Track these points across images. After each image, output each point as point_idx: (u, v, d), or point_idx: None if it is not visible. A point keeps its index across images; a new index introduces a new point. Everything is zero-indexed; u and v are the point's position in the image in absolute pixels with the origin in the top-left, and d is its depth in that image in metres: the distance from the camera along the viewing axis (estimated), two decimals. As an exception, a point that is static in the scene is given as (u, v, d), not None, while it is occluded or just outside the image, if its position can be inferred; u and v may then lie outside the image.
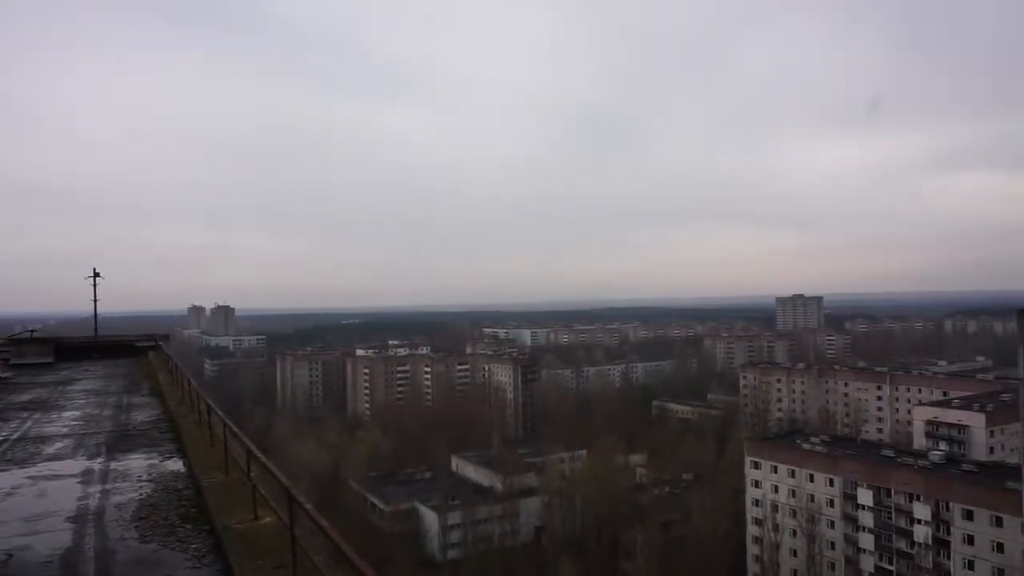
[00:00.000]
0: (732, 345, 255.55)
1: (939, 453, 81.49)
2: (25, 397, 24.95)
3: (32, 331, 43.66)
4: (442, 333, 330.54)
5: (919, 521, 69.26)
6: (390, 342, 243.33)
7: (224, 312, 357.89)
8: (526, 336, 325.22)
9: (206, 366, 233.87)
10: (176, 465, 13.74)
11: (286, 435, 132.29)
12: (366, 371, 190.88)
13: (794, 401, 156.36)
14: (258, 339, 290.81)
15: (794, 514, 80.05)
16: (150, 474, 13.08)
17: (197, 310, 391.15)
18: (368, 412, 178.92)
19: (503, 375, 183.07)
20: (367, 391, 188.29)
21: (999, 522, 62.66)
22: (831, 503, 77.43)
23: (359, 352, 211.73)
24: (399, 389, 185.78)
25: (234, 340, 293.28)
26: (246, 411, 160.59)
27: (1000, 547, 62.57)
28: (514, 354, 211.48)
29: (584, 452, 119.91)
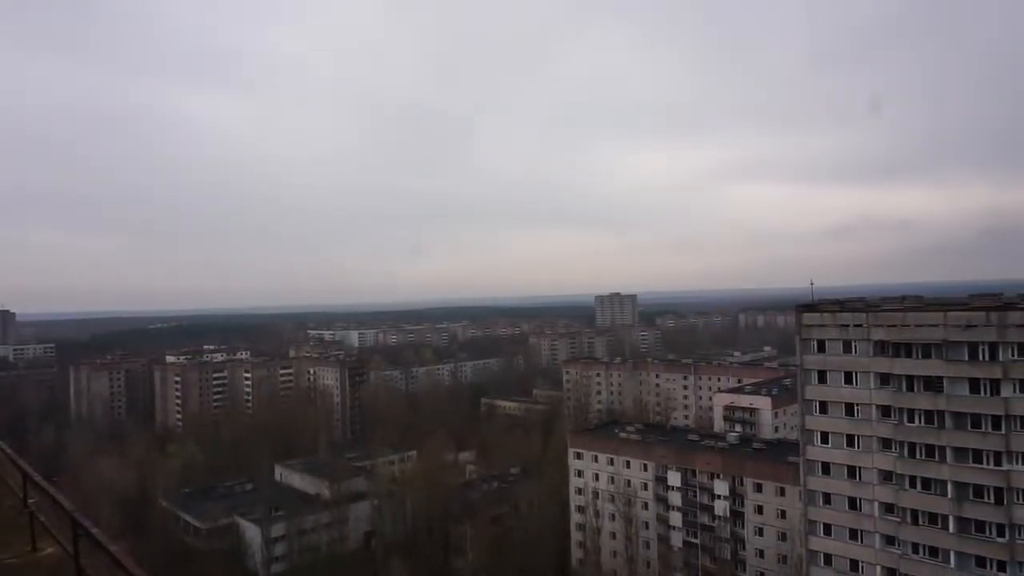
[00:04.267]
0: (556, 342, 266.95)
1: (735, 434, 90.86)
2: None
3: None
4: (263, 336, 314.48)
5: (719, 496, 76.60)
6: (205, 347, 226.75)
7: (1, 317, 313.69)
8: (353, 338, 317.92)
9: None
10: None
11: (82, 454, 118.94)
12: (177, 379, 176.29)
13: (612, 393, 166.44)
14: (45, 348, 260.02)
15: (613, 499, 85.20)
16: None
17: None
18: (180, 424, 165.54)
19: (329, 378, 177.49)
20: (179, 401, 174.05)
21: (783, 492, 70.98)
22: (645, 486, 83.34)
23: (169, 359, 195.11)
24: (216, 397, 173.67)
25: (14, 349, 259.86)
26: (31, 430, 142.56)
27: (783, 514, 70.89)
28: (341, 356, 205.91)
29: (414, 453, 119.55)
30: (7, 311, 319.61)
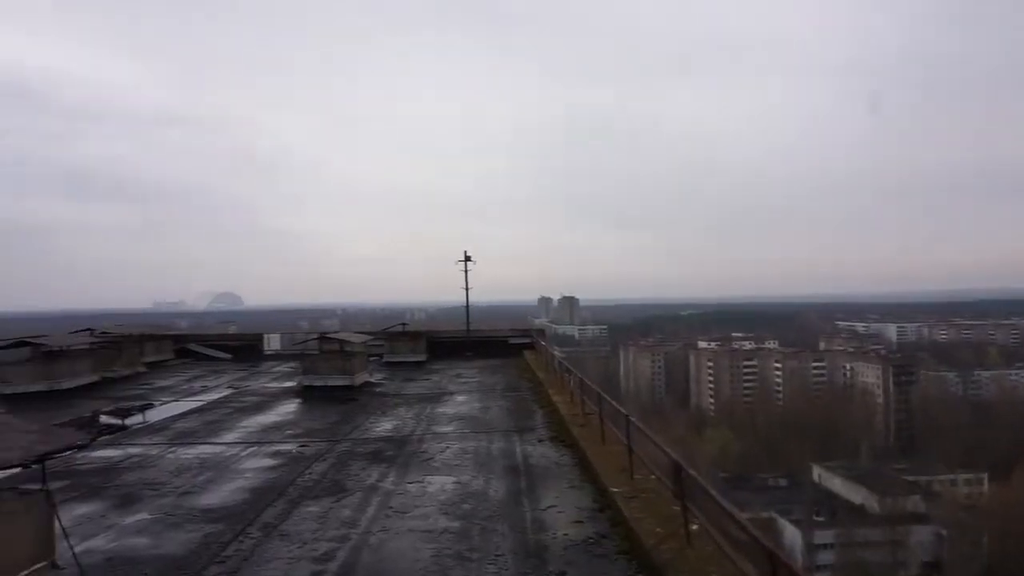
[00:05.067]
0: None
1: None
2: (381, 428, 19.80)
3: (404, 324, 40.93)
4: (787, 326, 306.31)
5: None
6: (733, 334, 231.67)
7: (569, 302, 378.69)
8: (891, 331, 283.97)
9: (555, 353, 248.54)
10: None
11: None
12: (710, 364, 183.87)
13: None
14: (600, 328, 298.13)
15: None
16: None
17: (545, 300, 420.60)
18: (713, 408, 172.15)
19: (869, 376, 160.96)
20: (711, 385, 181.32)
21: None
22: None
23: (701, 344, 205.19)
24: (746, 386, 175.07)
25: (579, 329, 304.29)
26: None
27: None
28: (882, 352, 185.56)
29: (984, 476, 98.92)
30: (573, 297, 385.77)
